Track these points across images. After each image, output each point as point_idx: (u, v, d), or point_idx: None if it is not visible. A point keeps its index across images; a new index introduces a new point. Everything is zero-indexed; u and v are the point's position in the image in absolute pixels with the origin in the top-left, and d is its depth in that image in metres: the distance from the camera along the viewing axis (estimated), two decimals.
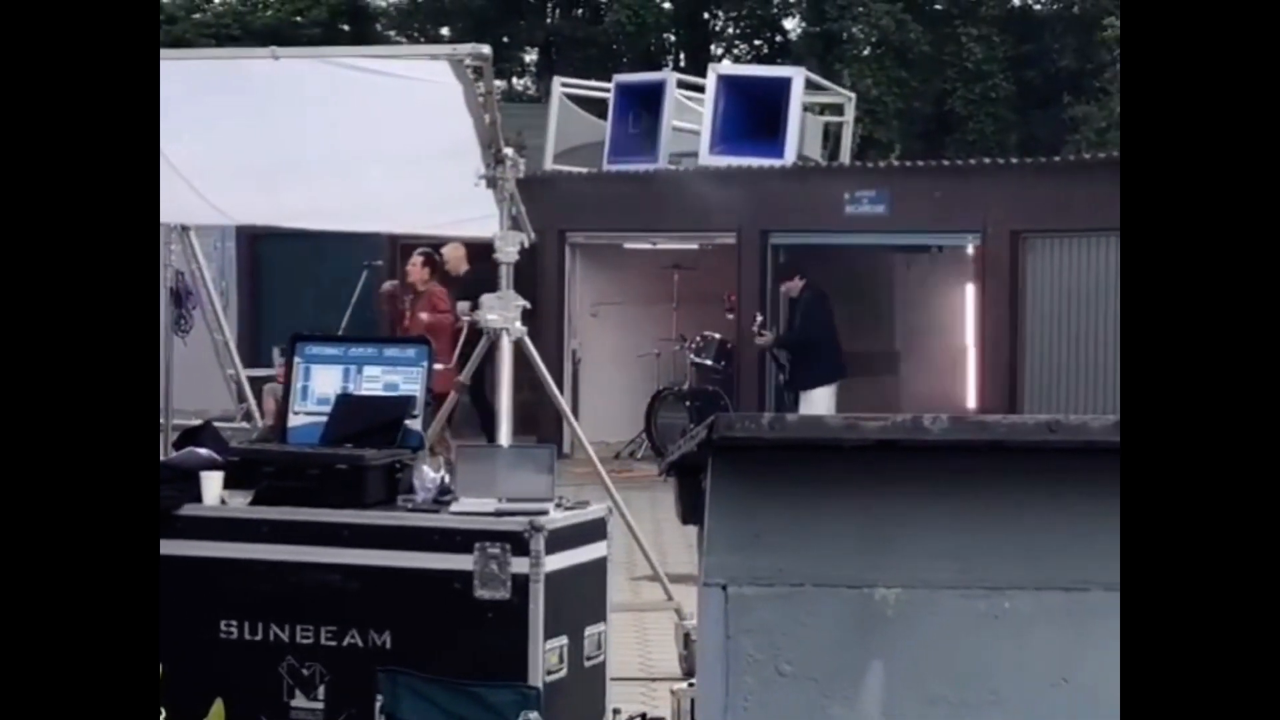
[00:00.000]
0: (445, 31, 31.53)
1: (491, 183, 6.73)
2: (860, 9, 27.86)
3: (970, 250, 17.19)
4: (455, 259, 15.62)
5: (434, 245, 14.63)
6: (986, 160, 19.21)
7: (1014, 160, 18.92)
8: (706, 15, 32.81)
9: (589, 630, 5.76)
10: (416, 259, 14.84)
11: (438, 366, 6.63)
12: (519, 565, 5.42)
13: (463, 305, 15.36)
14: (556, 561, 5.51)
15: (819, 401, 14.29)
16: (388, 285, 15.33)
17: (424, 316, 14.19)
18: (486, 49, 6.36)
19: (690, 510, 3.24)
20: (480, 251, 15.41)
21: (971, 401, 17.06)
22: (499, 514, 5.55)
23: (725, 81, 18.38)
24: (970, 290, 17.38)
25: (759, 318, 15.72)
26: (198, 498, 5.78)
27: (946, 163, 19.76)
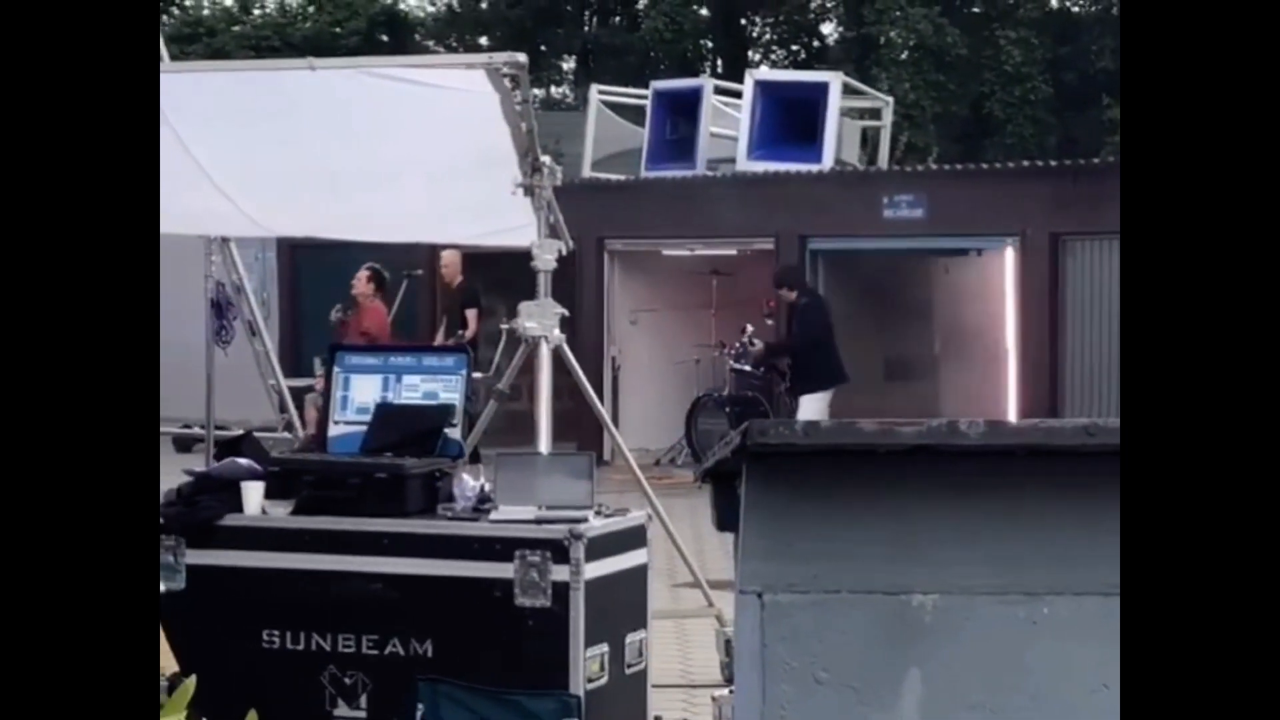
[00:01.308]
0: (483, 41, 31.63)
1: (529, 191, 6.74)
2: (897, 13, 27.81)
3: (1009, 253, 17.14)
4: (452, 265, 15.67)
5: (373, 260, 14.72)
6: (1025, 163, 19.17)
7: (1052, 163, 18.86)
8: (743, 21, 32.81)
9: (630, 637, 5.77)
10: (362, 273, 14.99)
11: None
12: (559, 573, 5.42)
13: (470, 312, 15.46)
14: (596, 569, 5.52)
15: (808, 408, 14.32)
16: (335, 314, 15.45)
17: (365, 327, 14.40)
18: (523, 57, 6.37)
19: (726, 517, 3.24)
20: (474, 262, 15.55)
21: (1012, 405, 17.01)
22: (539, 522, 5.56)
23: (762, 87, 18.38)
24: (1010, 293, 17.33)
25: (748, 328, 15.91)
26: (239, 508, 5.81)
27: (985, 166, 19.72)
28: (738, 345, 16.12)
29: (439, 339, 15.72)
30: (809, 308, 14.56)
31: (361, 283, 14.88)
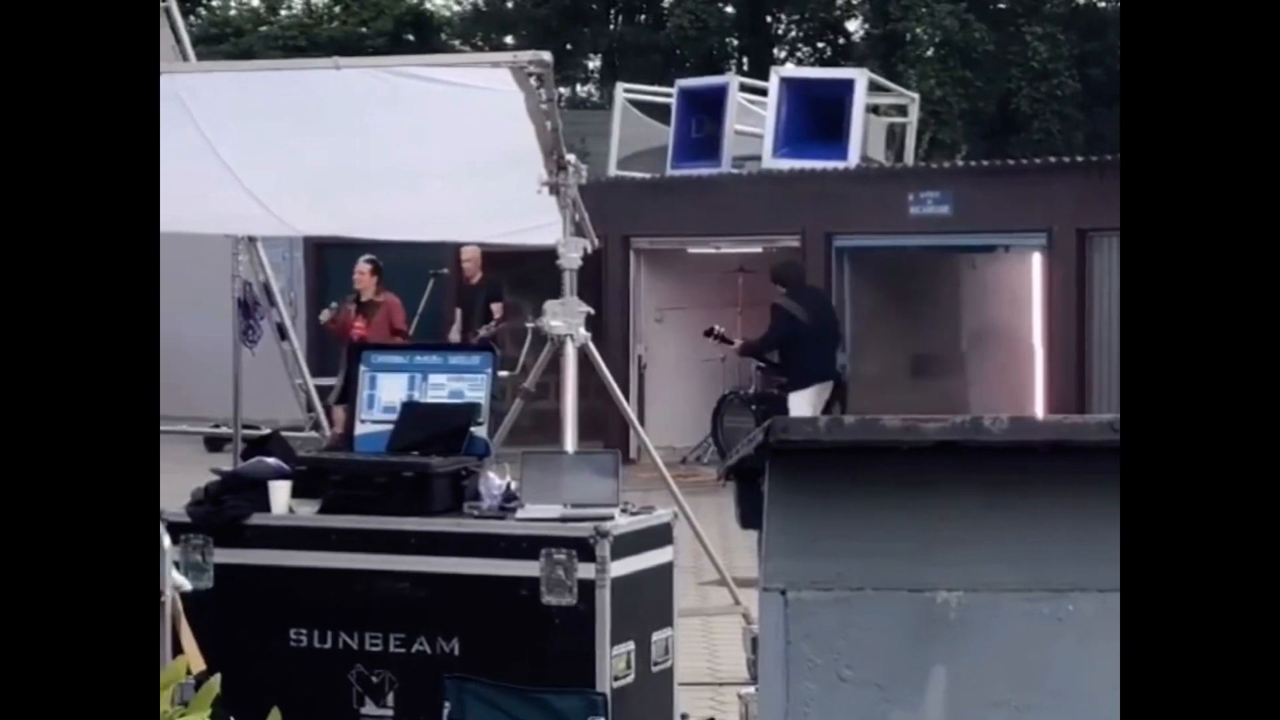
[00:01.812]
0: (509, 39, 31.66)
1: (554, 189, 6.76)
2: (923, 9, 27.75)
3: (1036, 250, 17.09)
4: (473, 260, 15.54)
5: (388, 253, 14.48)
6: (1052, 159, 19.10)
7: (1079, 159, 18.78)
8: (769, 18, 32.78)
9: (656, 635, 5.77)
10: (364, 267, 14.52)
11: None
12: (585, 571, 5.43)
13: (495, 305, 15.40)
14: (622, 567, 5.52)
15: (796, 405, 14.54)
16: (326, 313, 15.22)
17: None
18: (547, 56, 6.38)
19: (749, 514, 3.24)
20: (498, 260, 15.49)
21: (1039, 401, 16.96)
22: (564, 520, 5.56)
23: (788, 84, 18.35)
24: (1037, 290, 17.28)
25: (716, 327, 16.03)
26: (266, 507, 5.83)
27: (1011, 162, 19.66)
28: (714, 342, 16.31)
29: (454, 333, 15.68)
30: (776, 308, 14.84)
31: (365, 277, 14.54)
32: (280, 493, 5.84)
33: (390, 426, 6.04)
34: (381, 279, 14.55)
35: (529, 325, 12.55)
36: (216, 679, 3.53)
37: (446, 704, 5.25)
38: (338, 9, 32.36)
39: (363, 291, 14.55)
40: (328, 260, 19.67)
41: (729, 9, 31.66)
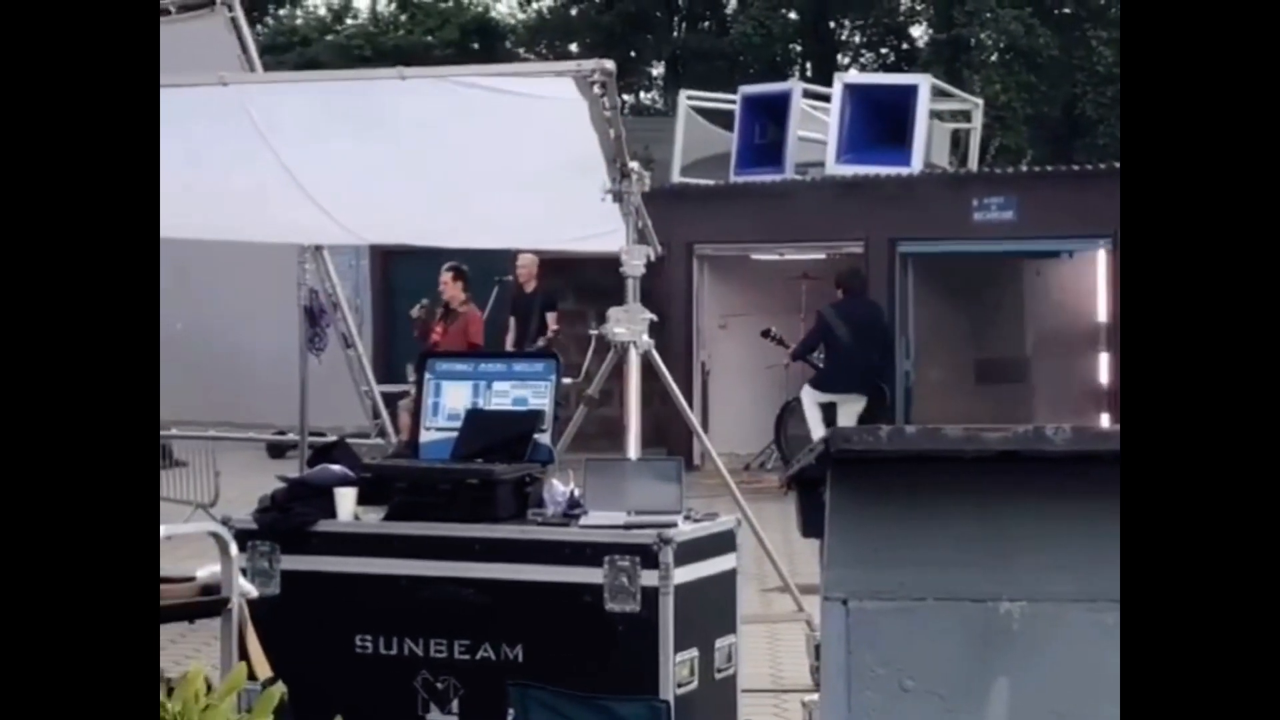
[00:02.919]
0: (573, 47, 31.75)
1: (618, 197, 6.78)
2: (988, 14, 27.63)
3: (1101, 255, 16.98)
4: (528, 268, 15.52)
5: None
6: (1117, 164, 18.96)
7: None
8: (832, 24, 32.72)
9: (719, 642, 5.77)
10: (446, 275, 14.41)
11: None
12: (648, 578, 5.44)
13: (550, 315, 15.38)
14: (686, 574, 5.53)
15: (804, 398, 15.26)
16: (416, 310, 15.15)
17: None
18: (611, 64, 6.41)
19: (810, 523, 3.25)
20: (560, 267, 15.47)
21: (1104, 409, 16.84)
22: (628, 527, 5.57)
23: (851, 90, 18.30)
24: (1101, 295, 17.17)
25: (772, 329, 16.18)
26: (332, 514, 5.87)
27: (1076, 167, 19.54)
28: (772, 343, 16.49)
29: (509, 342, 15.68)
30: (818, 315, 15.10)
31: (450, 285, 14.47)
32: (346, 500, 5.88)
33: (455, 434, 6.07)
34: (466, 284, 14.44)
35: (592, 332, 12.54)
36: (278, 687, 3.56)
37: (510, 711, 5.27)
38: (403, 18, 32.55)
39: (450, 300, 14.50)
40: (394, 268, 19.78)
41: (792, 15, 31.62)
